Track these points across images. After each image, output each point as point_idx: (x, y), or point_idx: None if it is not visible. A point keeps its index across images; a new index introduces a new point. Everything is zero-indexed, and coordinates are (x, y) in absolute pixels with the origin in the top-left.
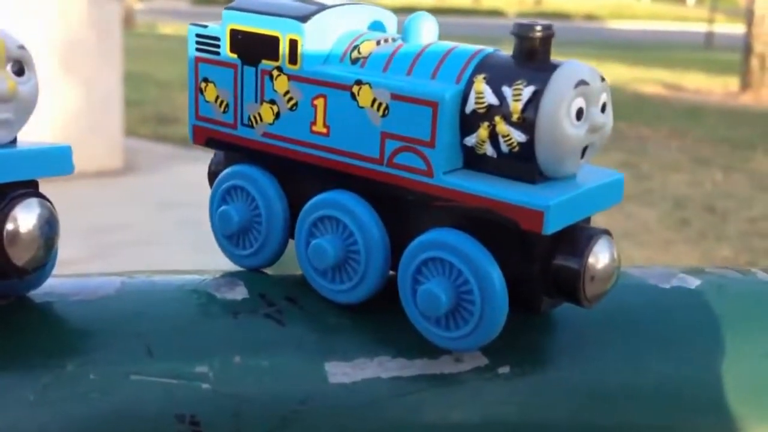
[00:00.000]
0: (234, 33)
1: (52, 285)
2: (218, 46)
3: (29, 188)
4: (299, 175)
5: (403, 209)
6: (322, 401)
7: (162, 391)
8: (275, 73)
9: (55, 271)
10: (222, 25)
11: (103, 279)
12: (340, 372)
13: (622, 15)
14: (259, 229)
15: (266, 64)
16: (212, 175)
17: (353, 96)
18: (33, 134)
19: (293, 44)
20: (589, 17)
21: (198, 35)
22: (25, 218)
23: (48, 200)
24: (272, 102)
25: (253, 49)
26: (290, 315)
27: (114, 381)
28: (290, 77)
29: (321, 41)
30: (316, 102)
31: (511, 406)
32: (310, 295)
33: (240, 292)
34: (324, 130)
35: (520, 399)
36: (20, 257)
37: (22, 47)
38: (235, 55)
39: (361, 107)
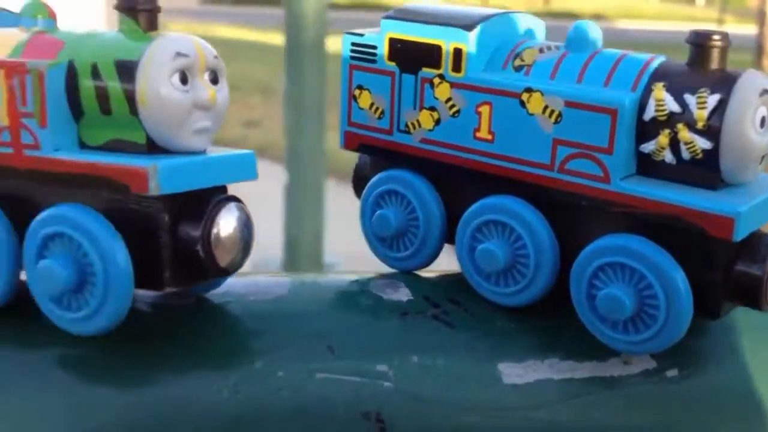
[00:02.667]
0: (393, 42)
1: (226, 285)
2: (375, 54)
3: (224, 193)
4: (457, 180)
5: (573, 214)
6: (496, 402)
7: (348, 389)
8: (437, 80)
9: None
10: (380, 34)
11: (273, 279)
12: (513, 373)
13: (630, 14)
14: (416, 232)
15: (427, 71)
16: (359, 180)
17: (522, 103)
18: None
19: (457, 53)
20: (597, 17)
21: (353, 43)
22: (228, 221)
23: (244, 204)
24: (432, 109)
25: (414, 57)
26: (456, 317)
27: (301, 378)
28: (453, 85)
29: (484, 49)
30: (480, 109)
31: (680, 411)
32: (472, 297)
33: (404, 294)
34: (489, 137)
35: (689, 402)
36: (224, 259)
37: (216, 57)
38: (393, 63)
39: (531, 114)
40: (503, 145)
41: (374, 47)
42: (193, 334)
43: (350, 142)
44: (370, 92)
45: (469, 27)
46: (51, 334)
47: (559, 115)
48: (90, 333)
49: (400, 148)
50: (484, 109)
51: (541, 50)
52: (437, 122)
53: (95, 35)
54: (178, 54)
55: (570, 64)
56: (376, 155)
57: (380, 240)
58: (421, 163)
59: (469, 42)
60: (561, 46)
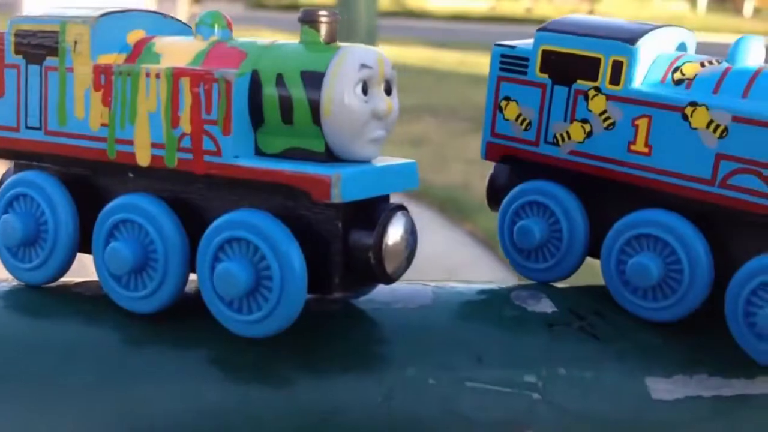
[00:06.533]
0: (546, 54)
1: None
2: (526, 66)
3: (387, 201)
4: (604, 192)
5: (734, 230)
6: (646, 417)
7: (498, 400)
8: (592, 93)
9: None
10: (534, 46)
11: (414, 287)
12: (662, 389)
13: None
14: (558, 244)
15: (582, 84)
16: (494, 191)
17: (685, 117)
18: None
19: (617, 66)
20: None
21: (503, 55)
22: (398, 230)
23: (409, 213)
24: (584, 121)
25: (568, 69)
26: (602, 329)
27: (452, 387)
28: (609, 97)
29: (643, 63)
30: (638, 122)
31: None
32: (615, 309)
33: (547, 305)
34: (645, 150)
35: None
36: (391, 266)
37: (392, 68)
38: (545, 75)
39: (694, 128)
40: (660, 159)
41: (526, 59)
42: (345, 339)
43: (492, 153)
44: (517, 103)
45: (632, 41)
46: (206, 335)
47: (725, 130)
48: (262, 335)
49: (546, 160)
50: (642, 123)
51: (702, 64)
52: (588, 134)
53: (278, 46)
54: (363, 66)
55: (735, 79)
56: (518, 167)
57: (519, 251)
58: (565, 175)
59: (631, 56)
60: (723, 61)
